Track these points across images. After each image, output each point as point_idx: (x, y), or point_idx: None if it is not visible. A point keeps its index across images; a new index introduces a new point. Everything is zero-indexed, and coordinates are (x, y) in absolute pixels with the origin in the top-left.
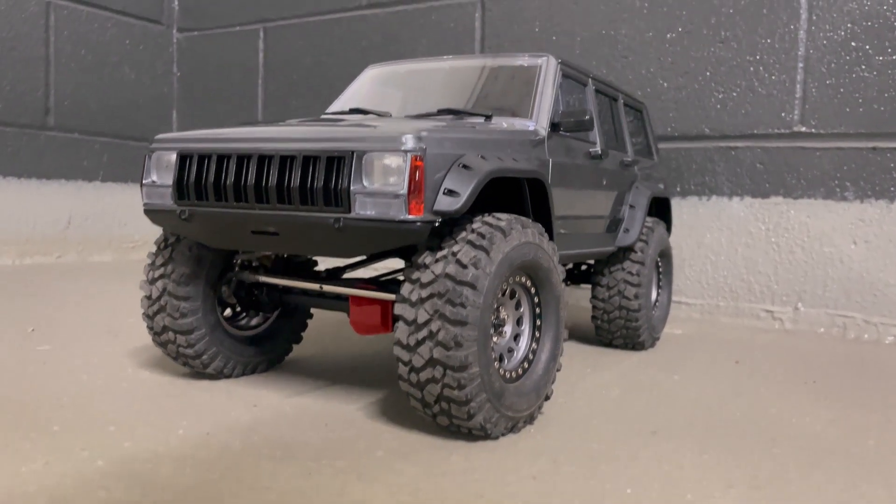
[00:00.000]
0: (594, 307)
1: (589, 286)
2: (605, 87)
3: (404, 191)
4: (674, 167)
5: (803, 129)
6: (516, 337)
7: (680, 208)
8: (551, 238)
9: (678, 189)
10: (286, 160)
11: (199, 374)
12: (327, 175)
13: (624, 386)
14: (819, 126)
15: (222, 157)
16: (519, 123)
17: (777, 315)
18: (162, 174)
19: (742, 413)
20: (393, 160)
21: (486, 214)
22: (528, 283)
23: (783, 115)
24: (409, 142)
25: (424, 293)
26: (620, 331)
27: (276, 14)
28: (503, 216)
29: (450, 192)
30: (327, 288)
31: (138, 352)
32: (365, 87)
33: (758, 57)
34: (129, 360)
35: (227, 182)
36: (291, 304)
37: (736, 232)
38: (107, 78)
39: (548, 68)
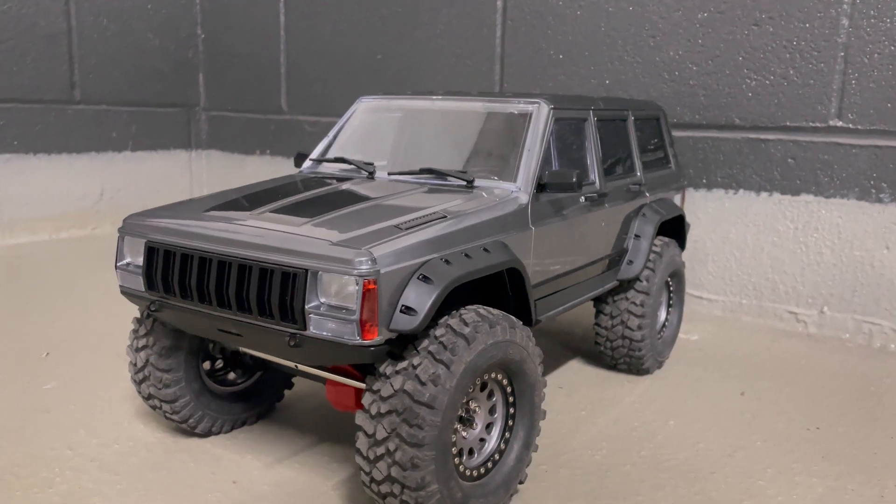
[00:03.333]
0: (597, 333)
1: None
2: (610, 112)
3: (356, 316)
4: (700, 157)
5: (840, 123)
6: (489, 425)
7: (705, 201)
8: (529, 321)
9: (704, 181)
10: (244, 268)
11: (189, 431)
12: (283, 289)
13: (613, 439)
14: (857, 121)
15: (186, 256)
16: (501, 189)
17: (801, 317)
18: (135, 257)
19: (728, 486)
20: (345, 282)
21: (454, 314)
22: (500, 377)
23: (819, 107)
24: (361, 264)
25: (383, 408)
26: (623, 358)
27: None
28: (470, 317)
29: (407, 310)
30: (303, 368)
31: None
32: (355, 123)
33: (794, 43)
34: (127, 407)
35: (191, 282)
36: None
37: (763, 229)
38: (130, 46)
39: (537, 118)
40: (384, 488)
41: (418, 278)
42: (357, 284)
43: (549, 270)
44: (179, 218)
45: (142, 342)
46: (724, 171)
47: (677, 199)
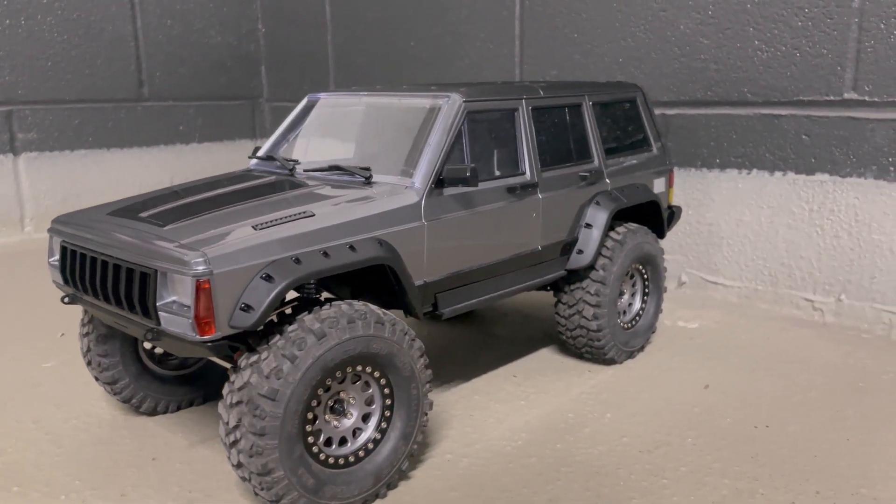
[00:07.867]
0: (558, 323)
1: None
2: (552, 100)
3: (191, 314)
4: (713, 136)
5: (855, 96)
6: (366, 416)
7: (719, 182)
8: (413, 313)
9: (717, 161)
10: (118, 268)
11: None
12: (142, 288)
13: (535, 431)
14: (874, 93)
15: (83, 255)
16: (395, 184)
17: (818, 305)
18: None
19: (627, 484)
20: (185, 282)
21: (315, 309)
22: (370, 370)
23: (832, 78)
24: (197, 265)
25: (235, 398)
26: (585, 347)
27: None
28: (327, 313)
29: (246, 308)
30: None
31: None
32: (304, 119)
33: (806, 10)
34: (98, 387)
35: (86, 279)
36: None
37: (777, 211)
38: (194, 44)
39: (447, 112)
40: (240, 472)
41: (261, 277)
42: (191, 285)
43: (453, 264)
44: (86, 220)
45: (85, 329)
46: (737, 149)
47: (658, 184)
